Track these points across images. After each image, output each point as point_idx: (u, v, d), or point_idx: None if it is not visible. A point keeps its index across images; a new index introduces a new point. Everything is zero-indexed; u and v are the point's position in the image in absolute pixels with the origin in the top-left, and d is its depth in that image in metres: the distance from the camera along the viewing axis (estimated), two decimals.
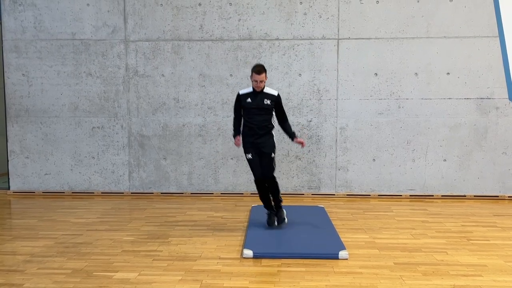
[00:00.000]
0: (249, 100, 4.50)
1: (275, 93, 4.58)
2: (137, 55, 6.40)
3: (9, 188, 6.70)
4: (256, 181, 4.60)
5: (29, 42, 6.47)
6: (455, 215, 5.43)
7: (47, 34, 6.44)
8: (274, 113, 4.59)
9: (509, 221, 5.14)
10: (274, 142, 4.61)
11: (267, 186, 4.59)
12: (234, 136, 4.63)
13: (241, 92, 4.60)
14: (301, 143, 4.61)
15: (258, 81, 4.44)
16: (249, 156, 4.55)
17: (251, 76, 4.50)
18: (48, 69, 6.48)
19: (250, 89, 4.57)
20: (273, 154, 4.58)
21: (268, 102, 4.49)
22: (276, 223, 4.66)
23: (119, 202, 6.19)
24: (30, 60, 6.48)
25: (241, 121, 4.62)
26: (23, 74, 6.50)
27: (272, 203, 4.68)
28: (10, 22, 6.46)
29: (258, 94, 4.51)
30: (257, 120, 4.49)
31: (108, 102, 6.48)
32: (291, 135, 4.62)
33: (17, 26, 6.46)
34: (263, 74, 4.44)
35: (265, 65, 6.22)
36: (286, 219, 4.74)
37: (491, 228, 4.88)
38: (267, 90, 4.55)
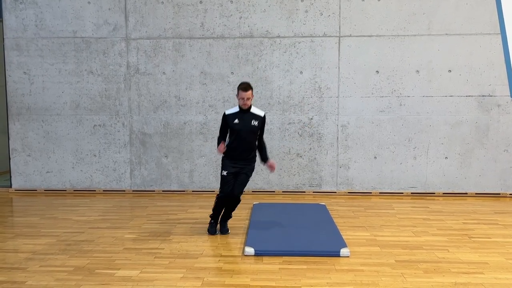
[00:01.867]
0: (236, 121, 4.37)
1: (261, 113, 4.47)
2: (138, 53, 6.40)
3: (11, 186, 6.71)
4: (222, 197, 4.47)
5: (30, 40, 6.47)
6: (456, 212, 5.43)
7: (48, 32, 6.44)
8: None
9: (510, 219, 5.14)
10: (254, 165, 4.52)
11: (229, 203, 4.50)
12: (219, 143, 4.45)
13: (227, 112, 4.46)
14: (272, 168, 4.51)
15: (245, 99, 4.31)
16: (225, 173, 4.42)
17: (237, 94, 4.37)
18: (49, 67, 6.48)
19: (236, 109, 4.43)
20: (249, 177, 4.51)
21: (256, 123, 4.38)
22: (218, 232, 4.60)
23: (121, 200, 6.20)
24: (32, 58, 6.49)
25: (225, 139, 4.50)
26: (24, 72, 6.51)
27: (221, 216, 4.61)
28: (11, 20, 6.46)
29: (245, 114, 4.38)
30: (243, 142, 4.38)
31: (110, 100, 6.49)
32: (264, 158, 4.53)
33: (18, 24, 6.46)
34: (250, 92, 4.32)
35: (266, 63, 6.28)
36: (229, 231, 4.63)
37: (493, 225, 4.88)
38: (253, 110, 4.43)
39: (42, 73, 6.49)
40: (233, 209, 4.61)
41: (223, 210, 4.58)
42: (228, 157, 4.46)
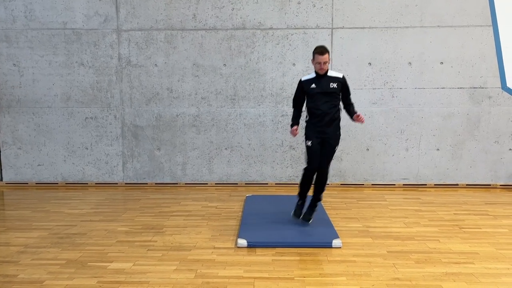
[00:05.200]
0: (313, 85, 4.20)
1: (340, 75, 4.26)
2: (130, 45, 6.34)
3: (1, 179, 6.66)
4: (308, 170, 4.29)
5: (20, 32, 6.38)
6: (447, 203, 5.48)
7: (38, 23, 6.35)
8: (340, 97, 4.29)
9: (500, 209, 5.20)
10: (339, 134, 4.35)
11: (316, 177, 4.35)
12: (292, 125, 4.30)
13: (304, 78, 4.30)
14: (359, 118, 4.20)
15: (322, 63, 4.14)
16: (309, 143, 4.22)
17: (313, 59, 4.18)
18: (39, 59, 6.41)
19: (312, 75, 4.27)
20: (336, 147, 4.35)
21: (334, 85, 4.18)
22: (301, 216, 4.44)
23: (113, 192, 6.18)
24: (21, 50, 6.40)
25: (301, 111, 4.37)
26: (14, 64, 6.43)
27: (309, 195, 4.42)
28: (0, 11, 6.36)
29: (322, 78, 4.21)
30: (324, 106, 4.20)
31: (101, 92, 6.44)
32: (352, 114, 4.30)
33: (7, 16, 6.36)
34: (326, 55, 4.12)
35: (258, 55, 6.26)
36: (311, 221, 4.45)
37: (483, 216, 4.93)
38: (331, 73, 4.25)
39: (32, 65, 6.42)
40: (321, 188, 4.40)
41: (314, 191, 4.41)
42: (310, 125, 4.30)
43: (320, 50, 4.17)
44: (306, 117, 4.42)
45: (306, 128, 4.38)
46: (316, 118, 4.29)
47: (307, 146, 4.32)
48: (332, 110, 4.27)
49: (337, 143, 4.37)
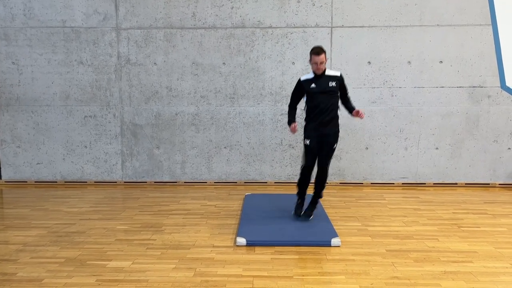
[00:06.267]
0: (313, 85, 4.28)
1: (337, 73, 4.35)
2: (129, 43, 6.33)
3: (0, 178, 6.65)
4: (304, 168, 4.39)
5: (19, 30, 6.37)
6: (446, 202, 5.49)
7: (37, 21, 6.34)
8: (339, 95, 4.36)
9: (499, 208, 5.21)
10: (338, 132, 4.40)
11: (317, 175, 4.42)
12: (290, 122, 4.36)
13: (302, 78, 4.37)
14: (359, 114, 4.26)
15: (318, 63, 4.21)
16: (308, 141, 4.32)
17: (310, 59, 4.27)
18: (38, 57, 6.40)
19: (311, 74, 4.34)
20: (335, 145, 4.39)
21: (333, 84, 4.27)
22: (301, 214, 4.51)
23: (112, 191, 6.17)
24: (20, 48, 6.39)
25: (296, 109, 4.43)
26: (13, 62, 6.42)
27: (307, 193, 4.48)
28: None
29: (321, 77, 4.29)
30: (323, 105, 4.26)
31: (100, 90, 6.43)
32: (351, 109, 4.39)
33: (6, 14, 6.35)
34: (323, 55, 4.21)
35: (258, 54, 6.25)
36: (312, 217, 4.54)
37: (482, 215, 4.94)
38: (328, 72, 4.33)
39: (31, 63, 6.41)
40: (323, 185, 4.45)
41: (314, 188, 4.46)
42: (309, 124, 4.35)
43: (317, 51, 4.24)
44: (306, 116, 4.44)
45: (305, 126, 4.43)
46: (315, 117, 4.35)
47: (305, 145, 4.39)
48: (331, 108, 4.33)
49: (336, 141, 4.42)
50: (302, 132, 4.50)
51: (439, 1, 6.09)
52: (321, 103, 4.29)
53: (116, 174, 6.56)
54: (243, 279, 3.26)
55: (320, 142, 4.35)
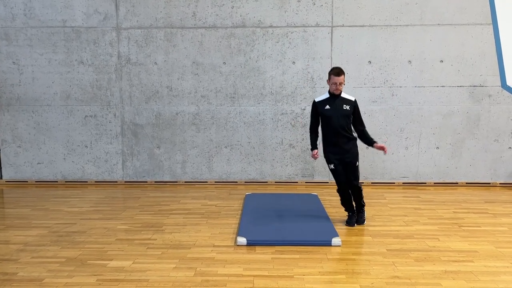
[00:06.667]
0: (327, 107, 4.32)
1: (352, 98, 4.39)
2: (129, 43, 6.33)
3: (1, 178, 6.66)
4: (339, 190, 4.49)
5: (19, 30, 6.37)
6: (447, 202, 5.48)
7: (37, 21, 6.34)
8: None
9: (500, 208, 5.20)
10: (357, 151, 4.43)
11: (352, 193, 4.48)
12: (312, 149, 4.43)
13: (317, 99, 4.40)
14: (383, 149, 4.34)
15: (338, 84, 4.25)
16: (332, 166, 4.39)
17: (329, 79, 4.29)
18: (38, 57, 6.40)
19: (326, 95, 4.38)
20: (357, 163, 4.42)
21: (348, 107, 4.31)
22: (355, 224, 4.55)
23: (113, 191, 6.18)
24: (21, 48, 6.39)
25: (317, 132, 4.46)
26: (13, 62, 6.42)
27: (354, 204, 4.58)
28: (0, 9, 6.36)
29: (336, 99, 4.32)
30: (337, 128, 4.30)
31: (101, 90, 6.43)
32: (370, 142, 4.42)
33: (7, 13, 6.35)
34: (342, 76, 4.25)
35: (258, 53, 6.25)
36: (365, 220, 4.59)
37: (482, 214, 4.93)
38: (343, 95, 4.37)
39: (32, 63, 6.41)
40: (359, 197, 4.51)
41: (355, 202, 4.54)
42: (327, 147, 4.40)
43: (337, 72, 4.26)
44: (323, 139, 4.45)
45: (324, 151, 4.46)
46: (331, 139, 4.38)
47: (331, 169, 4.45)
48: (346, 131, 4.35)
49: (357, 159, 4.45)
50: (322, 155, 4.53)
51: (439, 0, 6.08)
52: (336, 126, 4.32)
53: (117, 173, 6.57)
54: (244, 278, 3.25)
55: (343, 164, 4.39)
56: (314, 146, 4.46)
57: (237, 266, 3.49)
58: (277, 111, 6.35)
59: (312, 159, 4.47)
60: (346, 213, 4.63)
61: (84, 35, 6.34)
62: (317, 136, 4.50)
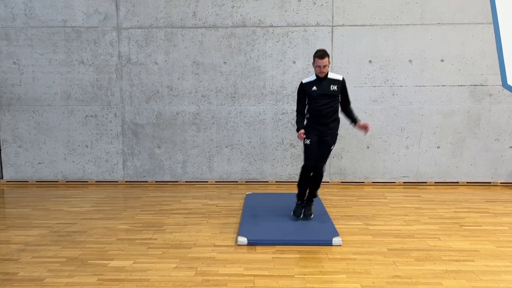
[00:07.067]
0: (314, 88, 4.29)
1: (339, 77, 4.35)
2: (130, 43, 6.33)
3: (2, 178, 6.66)
4: (305, 168, 4.40)
5: (20, 30, 6.37)
6: (448, 201, 5.48)
7: (38, 21, 6.35)
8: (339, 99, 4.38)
9: (501, 207, 5.20)
10: (337, 133, 4.43)
11: (312, 175, 4.43)
12: (298, 129, 4.35)
13: (304, 81, 4.39)
14: (365, 128, 4.32)
15: (321, 66, 4.23)
16: (308, 141, 4.33)
17: (313, 62, 4.28)
18: (39, 57, 6.40)
19: (313, 77, 4.35)
20: (333, 146, 4.42)
21: (335, 88, 4.28)
22: (302, 215, 4.56)
23: (113, 191, 6.18)
24: (21, 48, 6.40)
25: (304, 114, 4.44)
26: (14, 62, 6.42)
27: (306, 194, 4.55)
28: (0, 9, 6.36)
29: (322, 80, 4.30)
30: (324, 108, 4.29)
31: (101, 90, 6.43)
32: (354, 120, 4.41)
33: (7, 13, 6.35)
34: (326, 59, 4.22)
35: (259, 53, 6.25)
36: (312, 215, 4.59)
37: (483, 214, 4.93)
38: (331, 75, 4.33)
39: (32, 63, 6.41)
40: (317, 186, 4.49)
41: (309, 188, 4.50)
42: (310, 124, 4.38)
43: (320, 54, 4.25)
44: (307, 115, 4.45)
45: (306, 126, 4.43)
46: (316, 118, 4.37)
47: (305, 144, 4.40)
48: (332, 111, 4.35)
49: (333, 143, 4.43)
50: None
51: None
52: (322, 106, 4.31)
53: (117, 173, 6.57)
54: (244, 278, 3.26)
55: (319, 142, 4.37)
56: (301, 126, 4.40)
57: (237, 265, 3.49)
58: (278, 111, 6.35)
59: (298, 139, 4.41)
60: (312, 203, 4.59)
61: (85, 35, 6.34)
62: (304, 116, 4.47)
